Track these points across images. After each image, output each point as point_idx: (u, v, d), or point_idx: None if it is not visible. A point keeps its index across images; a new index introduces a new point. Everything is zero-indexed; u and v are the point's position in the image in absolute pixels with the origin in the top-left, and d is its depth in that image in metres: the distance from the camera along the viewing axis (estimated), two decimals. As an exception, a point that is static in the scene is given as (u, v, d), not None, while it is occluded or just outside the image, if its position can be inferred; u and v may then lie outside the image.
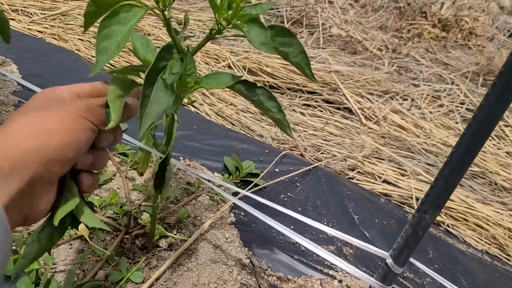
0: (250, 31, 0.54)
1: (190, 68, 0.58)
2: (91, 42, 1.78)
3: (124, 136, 0.75)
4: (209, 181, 0.86)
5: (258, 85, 0.59)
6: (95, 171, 0.51)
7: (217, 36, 0.59)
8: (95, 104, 0.47)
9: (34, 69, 1.36)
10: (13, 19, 1.85)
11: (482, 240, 1.31)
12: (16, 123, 0.42)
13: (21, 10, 1.96)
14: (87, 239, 0.82)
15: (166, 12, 0.52)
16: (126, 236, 0.86)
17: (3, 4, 1.93)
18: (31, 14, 1.96)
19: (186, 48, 0.57)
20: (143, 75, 0.50)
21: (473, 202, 1.42)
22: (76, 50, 1.70)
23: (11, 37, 1.03)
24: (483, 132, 0.48)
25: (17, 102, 1.17)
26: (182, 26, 0.59)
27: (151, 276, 0.78)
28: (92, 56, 1.69)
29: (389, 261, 0.61)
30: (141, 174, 0.73)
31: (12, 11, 1.94)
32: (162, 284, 0.78)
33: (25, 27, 1.80)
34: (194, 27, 2.14)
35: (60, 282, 0.75)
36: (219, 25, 0.55)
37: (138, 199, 0.94)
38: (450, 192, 0.52)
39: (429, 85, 2.06)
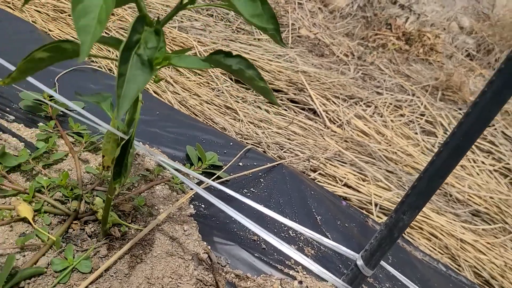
0: (236, 1, 0.50)
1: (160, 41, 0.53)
2: (49, 15, 1.66)
3: (85, 114, 0.69)
4: (175, 169, 0.80)
5: (234, 53, 0.55)
6: None
7: (189, 6, 0.54)
8: None
9: (-17, 36, 1.25)
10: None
11: (435, 249, 1.33)
12: None
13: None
14: (31, 221, 0.74)
15: None
16: (75, 222, 0.79)
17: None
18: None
19: (155, 19, 0.52)
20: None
21: (429, 211, 1.44)
22: (32, 21, 1.59)
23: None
24: (471, 134, 0.46)
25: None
26: None
27: (100, 266, 0.72)
28: (50, 30, 1.58)
29: (360, 262, 0.58)
30: (107, 168, 0.67)
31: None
32: (112, 275, 0.72)
33: (-24, -8, 1.66)
34: (161, 11, 2.06)
35: (-4, 267, 0.67)
36: None
37: (91, 183, 0.87)
38: (431, 194, 0.50)
39: (392, 95, 2.09)
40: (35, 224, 0.75)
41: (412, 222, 1.42)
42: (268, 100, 0.56)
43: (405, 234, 1.32)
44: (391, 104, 1.98)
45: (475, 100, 0.44)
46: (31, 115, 1.00)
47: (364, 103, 1.91)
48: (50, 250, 0.73)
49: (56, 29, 1.59)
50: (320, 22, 2.74)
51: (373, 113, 1.87)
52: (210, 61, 0.56)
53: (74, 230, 0.78)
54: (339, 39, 2.64)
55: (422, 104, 2.08)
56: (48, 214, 0.78)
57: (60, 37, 1.57)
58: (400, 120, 1.89)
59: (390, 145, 1.67)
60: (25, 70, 0.51)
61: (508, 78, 0.40)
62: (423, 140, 1.80)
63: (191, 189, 0.94)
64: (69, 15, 1.72)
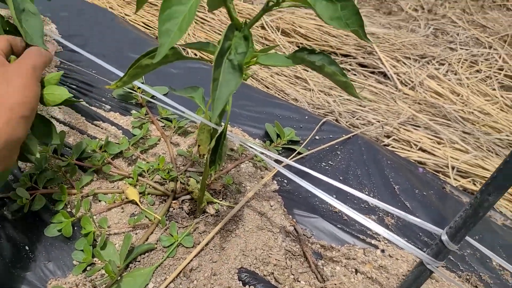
0: (316, 3, 0.52)
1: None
2: (124, 0, 1.76)
3: (169, 102, 0.75)
4: (255, 149, 0.86)
5: (317, 51, 0.58)
6: None
7: (274, 8, 0.57)
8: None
9: (73, 29, 1.36)
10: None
11: (517, 211, 1.31)
12: None
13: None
14: (138, 203, 0.84)
15: None
16: (174, 201, 0.88)
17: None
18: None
19: (243, 22, 0.56)
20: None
21: None
22: (110, 7, 1.69)
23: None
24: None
25: (59, 63, 1.18)
26: None
27: (201, 241, 0.81)
28: (126, 15, 1.68)
29: (444, 238, 0.62)
30: (202, 156, 0.74)
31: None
32: (211, 249, 0.81)
33: (57, -17, 1.78)
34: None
35: (115, 244, 0.78)
36: None
37: (183, 165, 0.96)
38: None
39: (467, 49, 2.00)
40: (142, 205, 0.85)
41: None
42: (350, 94, 0.60)
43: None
44: (466, 60, 1.90)
45: None
46: (124, 103, 1.10)
47: (436, 62, 1.85)
48: (157, 228, 0.83)
49: (131, 14, 1.68)
50: (385, -24, 2.63)
51: (447, 72, 1.82)
52: (294, 58, 0.60)
53: (174, 209, 0.87)
54: (407, -8, 2.53)
55: (500, 57, 1.97)
56: (151, 195, 0.88)
57: (136, 21, 1.66)
58: (476, 77, 1.82)
59: (466, 105, 1.63)
60: (134, 75, 0.58)
61: None
62: (502, 97, 1.72)
63: (281, 161, 1.00)
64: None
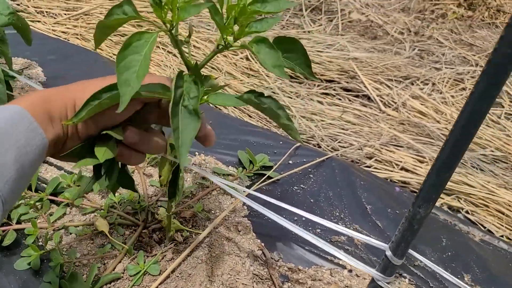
0: (260, 51, 0.54)
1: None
2: (112, 40, 1.83)
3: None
4: (215, 180, 0.89)
5: (266, 94, 0.60)
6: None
7: (224, 50, 0.60)
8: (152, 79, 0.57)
9: (58, 71, 1.42)
10: (38, 21, 1.92)
11: (502, 226, 1.30)
12: (76, 84, 0.58)
13: (46, 11, 2.03)
14: (107, 234, 0.87)
15: (173, 31, 0.54)
16: (144, 231, 0.91)
17: (28, 7, 2.01)
18: (55, 15, 2.03)
19: (194, 63, 0.59)
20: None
21: (494, 187, 1.40)
22: (98, 49, 1.76)
23: (35, 40, 1.09)
24: (469, 127, 0.49)
25: (42, 103, 1.24)
26: (187, 37, 0.61)
27: (167, 268, 0.82)
28: (114, 54, 1.74)
29: (388, 253, 0.63)
30: (165, 186, 0.77)
31: (37, 13, 2.01)
32: (178, 276, 0.83)
33: (50, 29, 1.87)
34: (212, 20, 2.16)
35: (83, 275, 0.81)
36: (226, 43, 0.56)
37: (155, 195, 0.99)
38: (442, 187, 0.53)
39: (452, 68, 2.03)
40: (111, 236, 0.87)
41: (477, 200, 1.40)
42: (293, 138, 0.62)
43: (468, 213, 1.31)
44: (450, 78, 1.92)
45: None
46: (102, 139, 1.14)
47: (421, 82, 1.87)
48: (124, 257, 0.85)
49: (119, 53, 1.75)
50: (372, 2, 2.70)
51: (431, 91, 1.84)
52: (242, 99, 0.62)
53: (143, 238, 0.89)
54: (394, 16, 2.59)
55: (486, 74, 1.99)
56: (121, 226, 0.91)
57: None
58: (461, 95, 1.83)
59: (449, 123, 1.64)
60: (90, 111, 0.62)
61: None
62: (488, 113, 1.73)
63: (244, 191, 1.02)
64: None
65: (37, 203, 0.92)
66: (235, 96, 0.64)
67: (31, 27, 1.06)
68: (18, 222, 0.88)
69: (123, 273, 0.82)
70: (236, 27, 0.55)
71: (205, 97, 0.67)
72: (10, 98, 1.03)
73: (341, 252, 0.67)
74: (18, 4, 2.03)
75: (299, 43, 0.59)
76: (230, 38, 0.55)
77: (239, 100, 0.62)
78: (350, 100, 1.77)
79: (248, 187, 1.02)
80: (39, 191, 0.94)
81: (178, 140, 0.50)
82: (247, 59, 1.87)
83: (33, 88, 1.29)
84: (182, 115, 0.51)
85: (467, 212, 1.31)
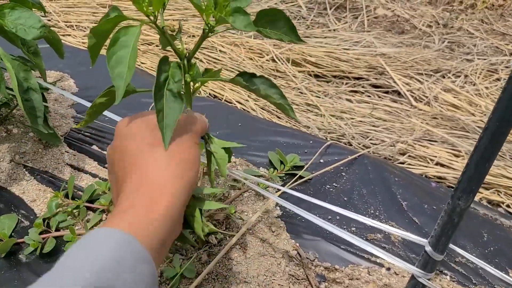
0: (236, 20, 0.55)
1: (195, 71, 0.61)
2: (140, 50, 1.86)
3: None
4: (255, 181, 0.89)
5: (258, 74, 0.61)
6: None
7: (210, 34, 0.60)
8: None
9: (89, 82, 1.46)
10: (69, 35, 1.98)
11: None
12: (153, 166, 0.50)
13: (75, 25, 2.09)
14: (143, 238, 0.88)
15: (158, 22, 0.55)
16: (179, 234, 0.91)
17: (59, 22, 2.07)
18: (85, 28, 2.08)
19: (186, 53, 0.60)
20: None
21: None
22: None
23: (66, 53, 1.12)
24: (507, 117, 0.47)
25: (75, 114, 1.27)
26: (176, 32, 0.61)
27: (203, 271, 0.83)
28: (142, 63, 1.77)
29: (428, 248, 0.61)
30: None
31: (67, 27, 2.07)
32: (213, 278, 0.83)
33: (79, 42, 1.92)
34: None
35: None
36: (209, 25, 0.57)
37: (188, 198, 0.99)
38: (481, 178, 0.51)
39: (484, 59, 1.96)
40: (146, 240, 0.88)
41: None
42: (287, 116, 0.62)
43: (509, 206, 1.26)
44: (483, 69, 1.87)
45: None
46: (133, 145, 1.16)
47: (452, 75, 1.82)
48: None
49: (148, 61, 1.78)
50: (398, -4, 2.65)
51: (464, 83, 1.79)
52: (233, 82, 0.62)
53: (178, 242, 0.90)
54: (421, 9, 2.53)
55: (521, 63, 1.92)
56: (156, 230, 0.91)
57: (152, 68, 1.75)
58: (495, 85, 1.77)
59: (485, 115, 1.59)
60: (92, 114, 0.64)
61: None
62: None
63: (278, 190, 1.02)
64: (156, 46, 1.91)
65: (74, 211, 0.94)
66: (227, 79, 0.64)
67: (62, 40, 1.09)
68: (57, 230, 0.90)
69: (160, 277, 0.82)
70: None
71: (197, 84, 0.67)
72: (45, 108, 1.06)
73: (379, 249, 0.66)
74: (49, 20, 2.10)
75: (281, 12, 0.59)
76: (212, 22, 0.56)
77: (224, 76, 0.63)
78: (379, 97, 1.74)
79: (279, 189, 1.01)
80: (75, 199, 0.96)
81: (162, 122, 0.51)
82: (273, 60, 1.87)
83: (67, 99, 1.33)
84: (167, 98, 0.53)
85: (508, 206, 1.26)
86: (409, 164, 1.38)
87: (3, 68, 0.97)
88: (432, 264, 0.62)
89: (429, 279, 0.64)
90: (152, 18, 0.53)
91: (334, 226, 0.71)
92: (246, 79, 0.59)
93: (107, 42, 0.53)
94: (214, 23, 0.56)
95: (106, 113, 0.99)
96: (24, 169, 1.06)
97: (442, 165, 1.39)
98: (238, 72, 0.63)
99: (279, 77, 1.80)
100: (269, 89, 0.59)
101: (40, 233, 0.88)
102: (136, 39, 0.50)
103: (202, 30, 0.58)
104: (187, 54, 0.58)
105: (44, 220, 0.91)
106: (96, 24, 0.51)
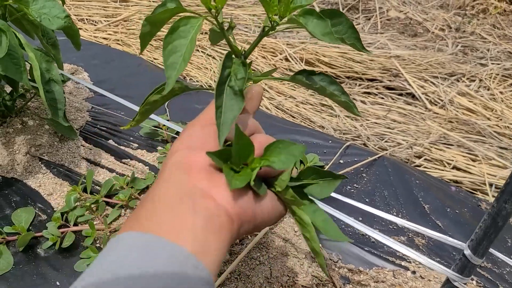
0: (308, 23, 0.53)
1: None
2: (152, 45, 1.85)
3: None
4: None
5: (316, 71, 0.59)
6: None
7: (271, 32, 0.59)
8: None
9: (103, 75, 1.44)
10: (80, 28, 1.96)
11: None
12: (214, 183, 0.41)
13: (86, 19, 2.07)
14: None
15: (219, 18, 0.53)
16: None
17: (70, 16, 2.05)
18: (95, 22, 2.06)
19: (242, 49, 0.58)
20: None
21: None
22: (139, 54, 1.78)
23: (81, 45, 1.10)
24: None
25: (90, 107, 1.25)
26: (228, 27, 0.59)
27: (225, 270, 0.81)
28: (155, 59, 1.76)
29: (467, 252, 0.59)
30: None
31: (79, 20, 2.05)
32: (236, 277, 0.81)
33: (91, 35, 1.90)
34: (249, 22, 2.15)
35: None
36: (272, 22, 0.55)
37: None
38: (532, 181, 0.50)
39: (498, 64, 1.95)
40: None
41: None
42: (351, 113, 0.60)
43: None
44: (498, 74, 1.85)
45: None
46: (151, 141, 1.14)
47: (466, 79, 1.81)
48: (182, 258, 0.84)
49: (160, 57, 1.76)
50: (409, -1, 2.64)
51: (478, 88, 1.77)
52: (294, 80, 0.61)
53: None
54: (433, 13, 2.52)
55: (535, 68, 1.91)
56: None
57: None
58: (511, 91, 1.76)
59: (501, 119, 1.57)
60: (145, 112, 0.61)
61: None
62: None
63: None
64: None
65: (92, 205, 0.92)
66: (287, 77, 0.62)
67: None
68: (75, 224, 0.88)
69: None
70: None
71: (250, 83, 0.65)
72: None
73: (414, 252, 0.64)
74: (60, 13, 2.08)
75: (344, 16, 0.57)
76: (276, 18, 0.54)
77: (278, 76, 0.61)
78: (393, 99, 1.72)
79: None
80: (93, 193, 0.94)
81: (220, 119, 0.49)
82: (286, 59, 1.85)
83: (81, 92, 1.31)
84: (227, 95, 0.50)
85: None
86: (425, 167, 1.36)
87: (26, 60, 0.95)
88: (470, 268, 0.60)
89: (465, 284, 0.62)
90: (214, 12, 0.51)
91: (363, 224, 0.69)
92: (306, 76, 0.56)
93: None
94: (278, 20, 0.54)
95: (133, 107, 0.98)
96: (40, 162, 1.04)
97: (459, 169, 1.37)
98: (253, 70, 0.61)
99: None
100: (330, 86, 0.57)
101: (59, 227, 0.86)
102: (196, 31, 0.48)
103: (263, 27, 0.56)
104: (244, 52, 0.57)
105: (62, 214, 0.89)
106: (151, 13, 0.49)
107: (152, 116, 1.10)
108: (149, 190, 0.43)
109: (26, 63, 0.89)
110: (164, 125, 1.14)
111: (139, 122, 0.62)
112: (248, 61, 0.58)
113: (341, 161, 1.11)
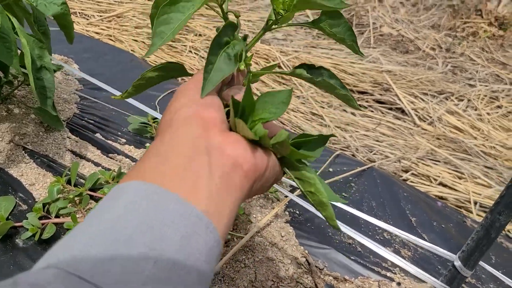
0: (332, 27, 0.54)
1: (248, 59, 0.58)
2: (145, 43, 1.83)
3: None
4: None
5: (316, 66, 0.58)
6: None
7: (273, 26, 0.58)
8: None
9: (94, 69, 1.42)
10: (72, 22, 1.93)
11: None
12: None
13: (79, 12, 2.05)
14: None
15: (224, 6, 0.52)
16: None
17: (63, 8, 2.02)
18: (88, 16, 2.04)
19: (244, 35, 0.57)
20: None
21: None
22: (131, 50, 1.76)
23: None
24: None
25: (79, 100, 1.22)
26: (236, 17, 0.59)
27: (209, 271, 0.79)
28: (148, 57, 1.74)
29: (457, 263, 0.59)
30: None
31: (71, 13, 2.02)
32: (220, 279, 0.79)
33: (83, 29, 1.88)
34: (244, 27, 2.15)
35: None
36: (277, 14, 0.54)
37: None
38: (528, 193, 0.50)
39: (486, 86, 1.98)
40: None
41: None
42: (351, 106, 0.59)
43: (510, 232, 1.26)
44: (485, 96, 1.88)
45: None
46: (139, 137, 1.12)
47: (455, 98, 1.84)
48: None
49: (153, 56, 1.75)
50: (402, 17, 2.68)
51: (466, 107, 1.80)
52: (294, 74, 0.60)
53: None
54: (424, 32, 2.56)
55: (521, 93, 1.95)
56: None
57: (155, 62, 1.72)
58: (497, 112, 1.79)
59: (487, 140, 1.59)
60: (138, 87, 0.60)
61: None
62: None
63: (286, 196, 0.99)
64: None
65: (76, 198, 0.90)
66: (288, 71, 0.62)
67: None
68: (57, 216, 0.86)
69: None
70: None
71: (257, 77, 0.65)
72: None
73: (399, 257, 0.64)
74: (52, 5, 2.05)
75: (343, 17, 0.57)
76: (282, 11, 0.53)
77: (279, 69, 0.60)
78: (382, 113, 1.73)
79: (291, 191, 0.99)
80: (78, 186, 0.91)
81: (208, 74, 0.47)
82: (279, 67, 1.85)
83: (70, 84, 1.28)
84: (221, 57, 0.49)
85: (508, 231, 1.26)
86: (412, 182, 1.37)
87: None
88: (459, 280, 0.60)
89: (453, 296, 0.62)
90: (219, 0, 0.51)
91: (353, 230, 0.68)
92: (307, 70, 0.55)
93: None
94: (283, 13, 0.53)
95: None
96: (24, 151, 1.01)
97: (445, 185, 1.38)
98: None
99: (284, 84, 1.78)
100: (330, 80, 0.56)
101: (39, 218, 0.83)
102: (194, 10, 0.47)
103: (267, 21, 0.55)
104: (246, 45, 0.56)
105: (43, 205, 0.87)
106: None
107: (143, 108, 1.08)
108: (150, 147, 0.40)
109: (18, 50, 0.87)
110: (153, 122, 1.12)
111: (131, 95, 0.60)
112: (249, 54, 0.57)
113: (330, 169, 1.11)
